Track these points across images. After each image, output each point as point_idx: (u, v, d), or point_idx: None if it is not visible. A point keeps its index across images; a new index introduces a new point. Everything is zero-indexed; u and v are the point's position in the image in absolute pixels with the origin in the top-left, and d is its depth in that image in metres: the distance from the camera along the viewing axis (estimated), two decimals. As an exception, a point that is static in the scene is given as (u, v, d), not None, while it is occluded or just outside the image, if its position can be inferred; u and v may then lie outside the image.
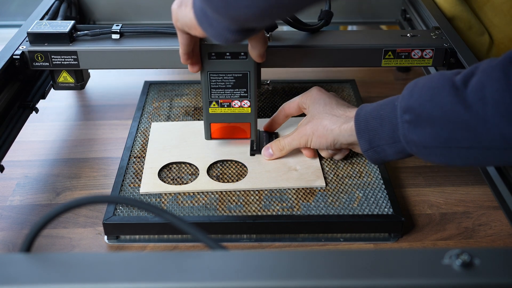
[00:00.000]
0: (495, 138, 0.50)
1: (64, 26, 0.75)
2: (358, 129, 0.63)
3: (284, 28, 0.98)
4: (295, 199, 0.68)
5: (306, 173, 0.72)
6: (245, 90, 0.70)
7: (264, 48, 0.65)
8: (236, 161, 0.74)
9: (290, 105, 0.75)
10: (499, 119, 0.49)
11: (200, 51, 0.66)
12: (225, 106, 0.71)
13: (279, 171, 0.72)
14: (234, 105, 0.71)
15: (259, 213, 0.66)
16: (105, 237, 0.67)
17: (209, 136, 0.74)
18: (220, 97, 0.70)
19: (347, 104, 0.70)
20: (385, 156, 0.62)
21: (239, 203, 0.67)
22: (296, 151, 0.75)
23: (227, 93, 0.70)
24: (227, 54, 0.66)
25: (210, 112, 0.72)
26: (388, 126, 0.59)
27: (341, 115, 0.67)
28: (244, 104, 0.71)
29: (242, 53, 0.66)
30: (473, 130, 0.51)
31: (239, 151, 0.76)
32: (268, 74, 0.97)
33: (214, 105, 0.71)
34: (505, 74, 0.49)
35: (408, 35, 0.78)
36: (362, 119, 0.62)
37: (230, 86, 0.69)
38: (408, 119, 0.56)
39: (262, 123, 0.80)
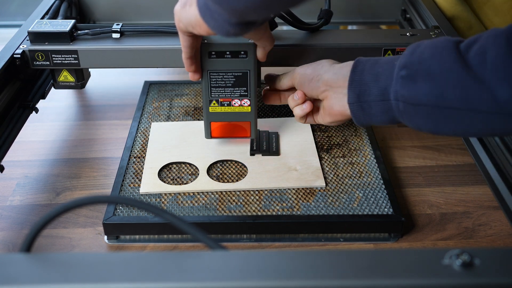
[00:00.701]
0: (487, 101, 0.51)
1: (64, 25, 0.75)
2: (351, 79, 0.61)
3: (284, 28, 0.98)
4: (295, 199, 0.68)
5: (306, 173, 0.72)
6: (245, 89, 0.70)
7: (271, 47, 0.66)
8: (236, 161, 0.74)
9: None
10: (496, 82, 0.50)
11: (200, 50, 0.66)
12: (225, 105, 0.71)
13: (279, 171, 0.72)
14: (234, 104, 0.71)
15: (259, 213, 0.66)
16: (105, 237, 0.67)
17: (209, 135, 0.74)
18: (220, 96, 0.70)
19: None
20: (369, 115, 0.60)
21: (239, 203, 0.67)
22: (296, 151, 0.75)
23: (227, 92, 0.70)
24: (227, 53, 0.66)
25: (210, 111, 0.72)
26: (382, 82, 0.58)
27: (337, 63, 0.66)
28: (244, 103, 0.71)
29: (242, 52, 0.66)
30: (467, 90, 0.51)
31: (239, 151, 0.76)
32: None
33: (214, 104, 0.71)
34: (508, 40, 0.50)
35: (407, 34, 0.78)
36: (359, 71, 0.61)
37: (230, 85, 0.69)
38: (404, 74, 0.56)
39: (262, 123, 0.81)
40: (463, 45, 0.53)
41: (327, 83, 0.64)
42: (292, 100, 0.69)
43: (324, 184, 0.70)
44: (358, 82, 0.60)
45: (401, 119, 0.58)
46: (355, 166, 0.74)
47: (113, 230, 0.65)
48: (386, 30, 0.84)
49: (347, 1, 0.99)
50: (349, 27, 1.22)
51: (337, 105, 0.64)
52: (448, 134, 0.58)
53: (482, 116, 0.52)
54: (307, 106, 0.69)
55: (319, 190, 0.69)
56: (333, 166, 0.74)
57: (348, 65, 0.62)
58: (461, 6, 0.89)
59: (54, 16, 0.86)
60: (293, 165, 0.73)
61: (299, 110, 0.69)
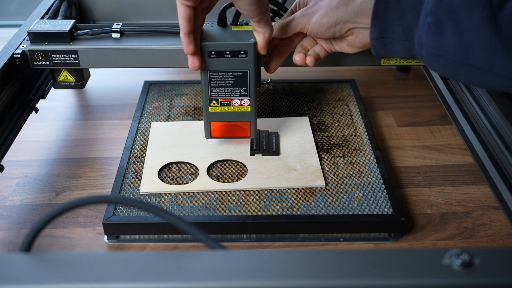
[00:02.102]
0: (510, 68, 0.50)
1: (64, 25, 0.75)
2: (375, 15, 0.59)
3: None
4: (295, 199, 0.68)
5: (306, 173, 0.72)
6: (245, 88, 0.70)
7: (271, 33, 0.65)
8: (236, 161, 0.74)
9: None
10: None
11: (200, 50, 0.66)
12: (225, 104, 0.71)
13: (279, 171, 0.72)
14: (234, 103, 0.71)
15: (259, 213, 0.66)
16: (105, 237, 0.67)
17: (209, 134, 0.74)
18: (220, 95, 0.70)
19: None
20: (390, 51, 0.60)
21: (239, 203, 0.67)
22: (296, 151, 0.75)
23: (227, 92, 0.70)
24: (227, 52, 0.66)
25: (210, 110, 0.72)
26: (407, 22, 0.57)
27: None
28: (244, 103, 0.71)
29: (242, 52, 0.66)
30: (493, 54, 0.51)
31: (239, 151, 0.76)
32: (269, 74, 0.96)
33: (214, 103, 0.71)
34: None
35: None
36: (383, 6, 0.59)
37: (230, 84, 0.69)
38: (431, 21, 0.54)
39: (262, 123, 0.81)
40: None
41: (350, 24, 0.63)
42: (301, 51, 0.69)
43: (324, 184, 0.70)
44: (381, 19, 0.59)
45: (421, 60, 0.58)
46: (355, 166, 0.74)
47: (113, 230, 0.65)
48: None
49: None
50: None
51: (358, 41, 0.64)
52: (467, 83, 0.57)
53: (502, 79, 0.51)
54: (322, 51, 0.69)
55: (319, 190, 0.69)
56: (333, 166, 0.74)
57: (366, 3, 0.61)
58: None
59: (54, 16, 0.86)
60: (293, 165, 0.73)
61: (313, 58, 0.69)
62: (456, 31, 0.52)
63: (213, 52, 0.66)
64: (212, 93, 0.70)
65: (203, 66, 0.67)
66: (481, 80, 0.54)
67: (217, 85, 0.69)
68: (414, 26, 0.56)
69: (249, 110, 0.72)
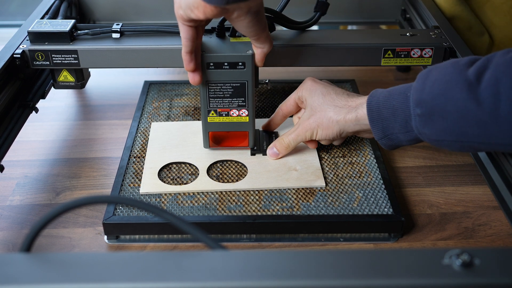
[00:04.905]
0: (506, 135, 0.51)
1: (64, 25, 0.75)
2: (371, 118, 0.63)
3: (283, 28, 0.98)
4: (295, 199, 0.68)
5: (306, 173, 0.72)
6: (243, 99, 0.70)
7: (270, 48, 0.66)
8: (236, 161, 0.74)
9: (287, 104, 0.75)
10: None
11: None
12: (224, 115, 0.71)
13: (279, 171, 0.72)
14: (233, 114, 0.71)
15: (259, 213, 0.66)
16: (105, 237, 0.67)
17: (207, 144, 0.74)
18: (218, 106, 0.71)
19: (345, 92, 0.70)
20: (399, 142, 0.63)
21: (239, 203, 0.67)
22: (296, 151, 0.75)
23: (225, 103, 0.70)
24: (225, 64, 0.67)
25: (208, 121, 0.72)
26: (401, 116, 0.60)
27: (343, 106, 0.67)
28: (242, 113, 0.71)
29: (240, 63, 0.67)
30: (484, 126, 0.52)
31: (239, 151, 0.76)
32: (269, 73, 0.97)
33: (212, 114, 0.71)
34: None
35: (407, 34, 0.78)
36: (375, 109, 0.63)
37: (228, 95, 0.70)
38: (420, 112, 0.57)
39: (262, 123, 0.80)
40: (472, 73, 0.53)
41: (357, 133, 0.68)
42: (328, 141, 0.73)
43: (324, 184, 0.70)
44: (378, 119, 0.63)
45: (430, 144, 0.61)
46: (355, 166, 0.74)
47: (113, 230, 0.65)
48: (386, 30, 0.84)
49: (347, 1, 0.99)
50: (349, 27, 1.22)
51: (365, 137, 0.71)
52: (476, 152, 0.63)
53: (504, 147, 0.53)
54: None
55: (319, 190, 0.69)
56: (333, 166, 0.74)
57: (361, 114, 0.65)
58: (461, 6, 0.89)
59: (54, 16, 0.86)
60: (293, 165, 0.73)
61: (338, 142, 0.75)
62: (444, 116, 0.55)
63: (211, 64, 0.67)
64: (211, 104, 0.70)
65: (202, 77, 0.67)
66: (489, 149, 0.57)
67: (216, 95, 0.70)
68: (408, 118, 0.59)
69: (247, 120, 0.72)
